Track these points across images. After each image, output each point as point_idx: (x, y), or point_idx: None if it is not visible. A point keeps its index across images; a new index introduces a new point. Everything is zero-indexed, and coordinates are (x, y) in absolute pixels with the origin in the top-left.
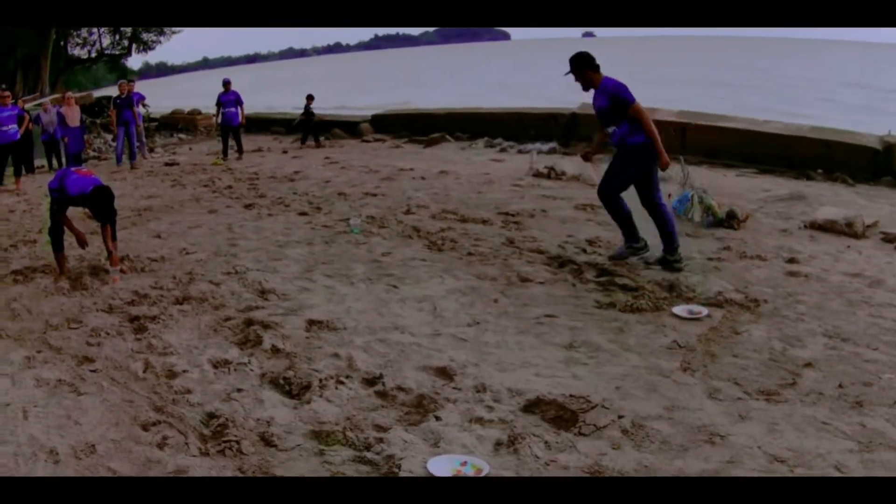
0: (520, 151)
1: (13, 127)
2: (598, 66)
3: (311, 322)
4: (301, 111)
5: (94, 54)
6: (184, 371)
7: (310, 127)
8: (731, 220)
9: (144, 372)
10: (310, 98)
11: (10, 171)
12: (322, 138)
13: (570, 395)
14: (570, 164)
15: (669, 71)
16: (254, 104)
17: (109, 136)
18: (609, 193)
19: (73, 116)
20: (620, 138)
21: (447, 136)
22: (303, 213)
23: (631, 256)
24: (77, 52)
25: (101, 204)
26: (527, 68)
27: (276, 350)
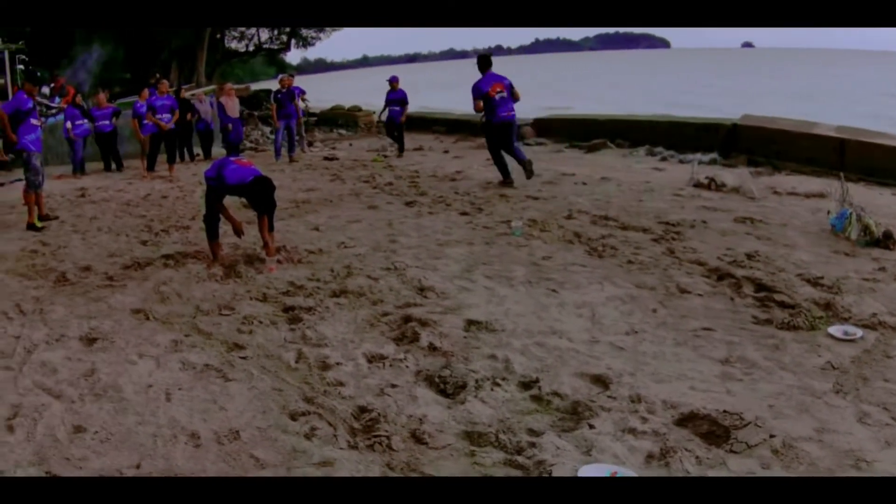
0: (680, 161)
1: (167, 116)
2: (483, 68)
3: (470, 322)
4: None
5: (251, 48)
6: (337, 363)
7: None
8: (886, 241)
9: (297, 362)
10: None
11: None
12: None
13: (724, 411)
14: (731, 175)
15: (823, 83)
16: (415, 103)
17: (267, 129)
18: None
19: (233, 107)
20: None
21: (608, 143)
22: (464, 213)
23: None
24: (234, 45)
25: (261, 194)
26: (686, 77)
27: (433, 348)
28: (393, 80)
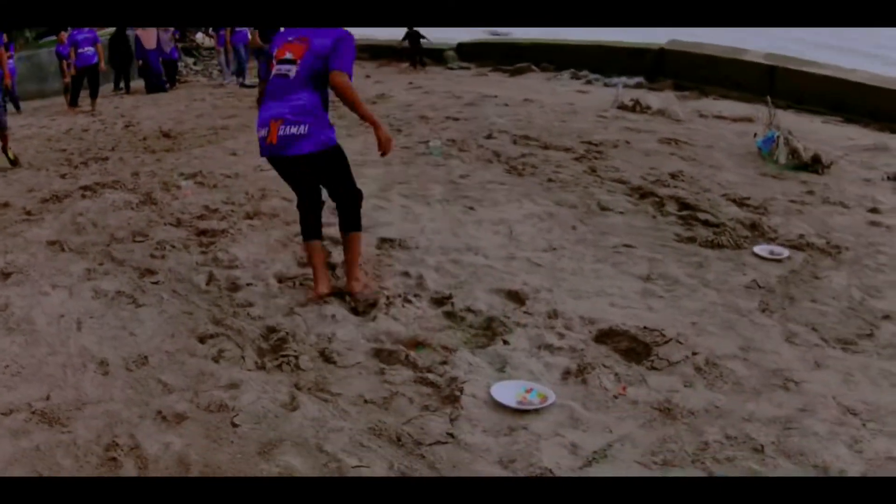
0: (605, 84)
1: (90, 49)
2: None
3: (383, 240)
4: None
5: None
6: (248, 284)
7: (417, 50)
8: (815, 165)
9: (207, 285)
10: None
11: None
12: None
13: (644, 328)
14: (656, 98)
15: None
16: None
17: (190, 60)
18: None
19: (149, 39)
20: None
21: (533, 67)
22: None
23: None
24: None
25: None
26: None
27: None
28: None
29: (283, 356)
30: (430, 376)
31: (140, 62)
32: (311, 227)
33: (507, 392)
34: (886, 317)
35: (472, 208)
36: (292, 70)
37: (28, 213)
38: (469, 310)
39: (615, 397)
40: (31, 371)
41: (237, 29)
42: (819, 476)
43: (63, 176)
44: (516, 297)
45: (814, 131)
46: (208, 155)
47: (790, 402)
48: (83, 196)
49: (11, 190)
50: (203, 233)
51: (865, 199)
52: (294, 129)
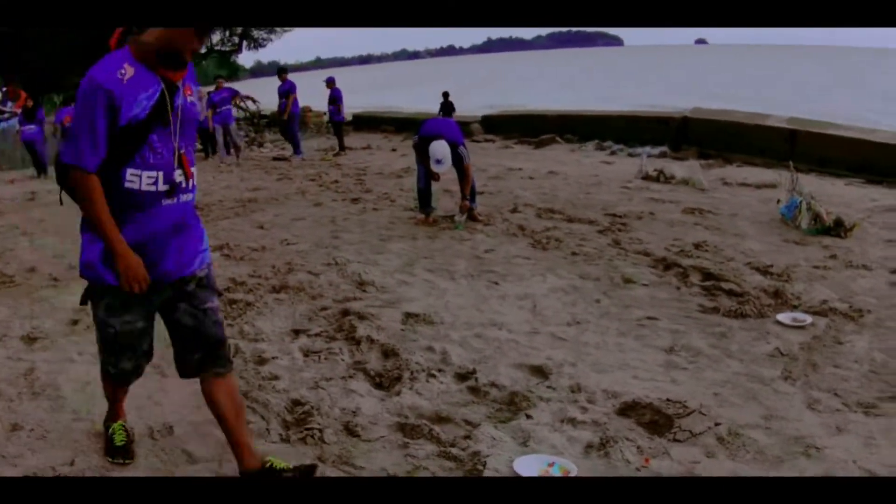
0: (630, 154)
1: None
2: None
3: (408, 315)
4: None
5: (203, 51)
6: (273, 358)
7: None
8: (838, 229)
9: (233, 357)
10: (446, 94)
11: None
12: None
13: (667, 400)
14: (680, 167)
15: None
16: (367, 103)
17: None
18: None
19: None
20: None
21: (557, 138)
22: (409, 209)
23: None
24: None
25: None
26: (639, 73)
27: (370, 341)
28: (329, 81)
29: (308, 429)
30: (454, 451)
31: None
32: None
33: (530, 466)
34: None
35: (496, 283)
36: None
37: (55, 279)
38: (493, 384)
39: (638, 470)
40: (57, 436)
41: (219, 109)
42: (819, 476)
43: None
44: (540, 372)
45: (837, 194)
46: (236, 227)
47: (812, 468)
48: None
49: (38, 255)
50: (229, 305)
51: (888, 260)
52: None
